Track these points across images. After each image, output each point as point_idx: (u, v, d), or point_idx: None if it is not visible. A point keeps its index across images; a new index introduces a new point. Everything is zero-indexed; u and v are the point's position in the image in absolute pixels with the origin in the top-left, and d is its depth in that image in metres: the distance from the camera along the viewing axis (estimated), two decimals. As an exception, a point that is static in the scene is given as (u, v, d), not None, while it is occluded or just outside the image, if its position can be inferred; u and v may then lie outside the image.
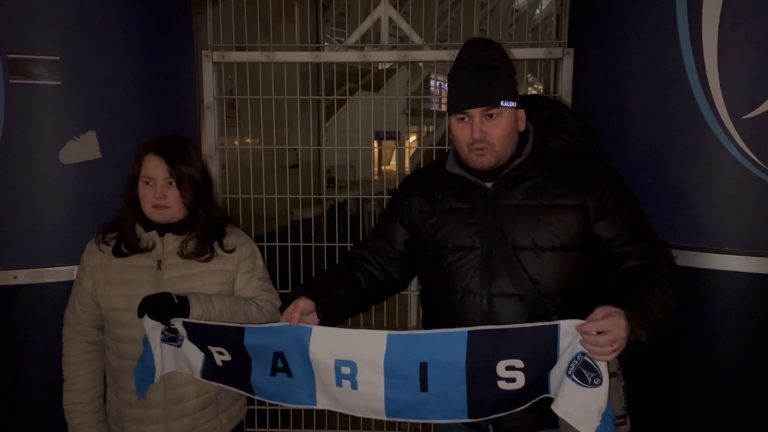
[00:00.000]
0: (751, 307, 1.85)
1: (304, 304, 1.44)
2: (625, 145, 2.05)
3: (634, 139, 2.03)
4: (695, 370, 1.92)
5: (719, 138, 1.83)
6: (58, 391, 1.78)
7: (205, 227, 1.73)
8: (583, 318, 1.24)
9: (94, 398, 1.77)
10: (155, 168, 1.67)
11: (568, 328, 1.25)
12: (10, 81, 1.92)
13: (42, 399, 1.98)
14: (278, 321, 1.80)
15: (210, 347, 1.55)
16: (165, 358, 1.62)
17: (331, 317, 1.50)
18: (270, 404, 2.83)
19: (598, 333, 1.20)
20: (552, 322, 1.27)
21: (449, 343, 1.33)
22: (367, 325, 1.77)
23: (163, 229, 1.72)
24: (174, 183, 1.68)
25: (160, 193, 1.66)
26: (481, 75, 1.46)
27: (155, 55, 2.23)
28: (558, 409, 1.29)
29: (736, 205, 1.84)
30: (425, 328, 1.73)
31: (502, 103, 1.47)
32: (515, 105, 1.51)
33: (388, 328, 2.80)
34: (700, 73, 1.85)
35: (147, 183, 1.68)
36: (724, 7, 1.80)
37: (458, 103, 1.50)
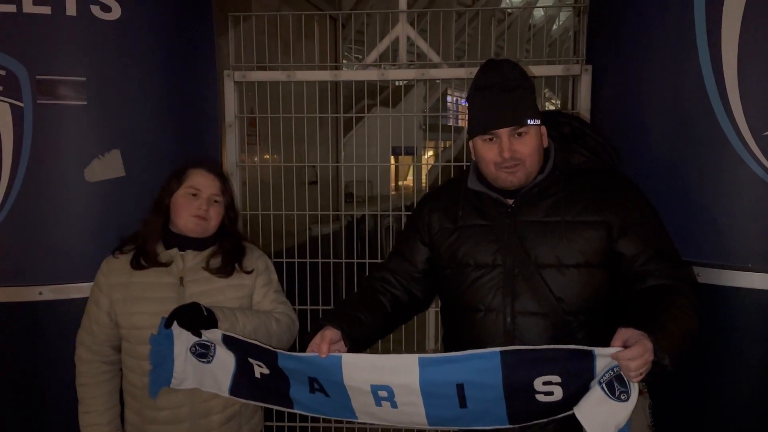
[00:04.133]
0: (776, 325, 1.82)
1: (330, 334, 1.42)
2: (645, 161, 2.03)
3: (654, 155, 2.02)
4: (718, 388, 1.89)
5: (740, 154, 1.81)
6: (81, 407, 1.79)
7: (233, 245, 1.78)
8: (608, 338, 1.24)
9: (113, 418, 1.77)
10: (207, 183, 1.74)
11: (603, 354, 1.24)
12: (38, 101, 1.97)
13: (66, 415, 1.99)
14: (294, 333, 1.83)
15: (250, 360, 1.54)
16: (188, 367, 1.60)
17: (358, 344, 1.49)
18: (288, 420, 2.82)
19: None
20: (587, 348, 1.25)
21: (483, 365, 1.31)
22: (386, 341, 1.76)
23: (183, 245, 1.74)
24: (219, 201, 1.75)
25: (205, 204, 1.72)
26: (506, 95, 1.47)
27: (178, 75, 2.28)
28: (579, 411, 1.28)
29: (759, 222, 1.81)
30: (446, 345, 1.72)
31: (529, 121, 1.47)
32: (539, 122, 1.52)
33: (406, 344, 2.78)
34: (720, 89, 1.83)
35: (192, 195, 1.72)
36: (743, 22, 1.79)
37: (486, 125, 1.49)
